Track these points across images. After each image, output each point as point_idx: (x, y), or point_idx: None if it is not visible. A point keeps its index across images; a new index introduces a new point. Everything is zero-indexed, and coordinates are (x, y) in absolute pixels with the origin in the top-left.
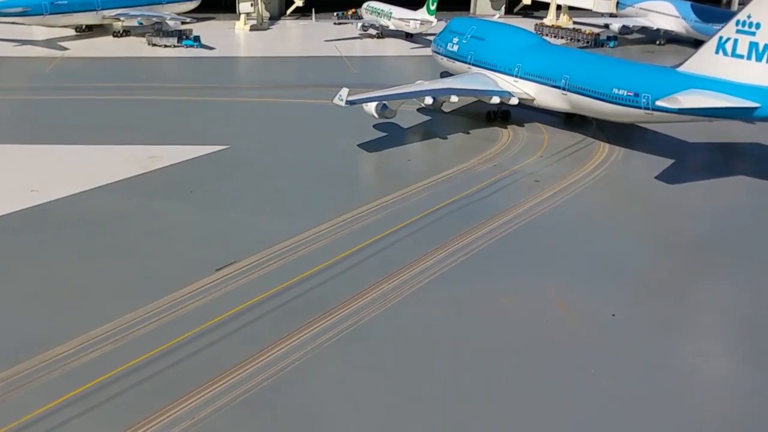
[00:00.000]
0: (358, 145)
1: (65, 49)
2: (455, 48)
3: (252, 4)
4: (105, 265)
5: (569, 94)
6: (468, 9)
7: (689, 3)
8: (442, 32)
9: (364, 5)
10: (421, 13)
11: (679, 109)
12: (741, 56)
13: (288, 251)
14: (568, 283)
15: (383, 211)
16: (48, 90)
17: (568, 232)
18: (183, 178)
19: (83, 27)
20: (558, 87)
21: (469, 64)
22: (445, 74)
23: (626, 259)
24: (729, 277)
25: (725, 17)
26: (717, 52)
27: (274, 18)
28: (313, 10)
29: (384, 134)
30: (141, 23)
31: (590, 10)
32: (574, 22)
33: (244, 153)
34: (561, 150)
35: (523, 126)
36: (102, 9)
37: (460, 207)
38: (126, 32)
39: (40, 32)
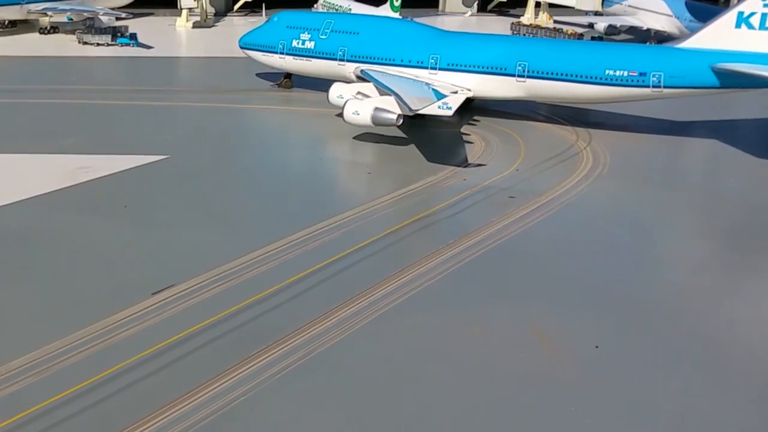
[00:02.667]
0: (311, 156)
1: None
2: (310, 44)
3: None
4: (27, 288)
5: (528, 80)
6: (436, 6)
7: (683, 0)
8: (270, 28)
9: (320, 0)
10: (384, 10)
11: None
12: None
13: (233, 274)
14: (546, 311)
15: (340, 230)
16: None
17: (547, 255)
18: (116, 192)
19: (6, 22)
20: (510, 75)
21: (341, 60)
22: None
23: (611, 284)
24: (725, 306)
25: None
26: (738, 26)
27: (220, 14)
28: (264, 5)
29: (340, 143)
30: (71, 19)
31: (573, 8)
32: (555, 21)
33: (185, 164)
34: (539, 162)
35: (495, 134)
36: (27, 2)
37: (425, 226)
38: (54, 29)
39: None
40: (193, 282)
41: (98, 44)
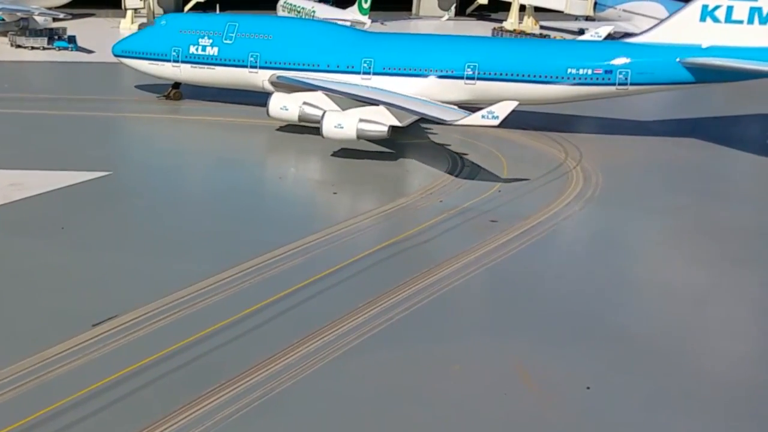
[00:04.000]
0: (270, 173)
1: None
2: (212, 51)
3: None
4: None
5: (479, 83)
6: (409, 9)
7: (683, 4)
8: (157, 33)
9: (281, 1)
10: (352, 13)
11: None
12: (740, 21)
13: (183, 303)
14: (531, 347)
15: (302, 256)
16: None
17: (532, 285)
18: (53, 212)
19: None
20: (458, 77)
21: (253, 67)
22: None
23: (604, 318)
24: (729, 342)
25: None
26: (703, 19)
27: None
28: (218, 6)
29: (303, 159)
30: (2, 19)
31: (562, 12)
32: (541, 27)
33: (129, 181)
34: (524, 183)
35: (476, 151)
36: None
37: (397, 252)
38: None
39: None
40: (138, 313)
41: (33, 48)
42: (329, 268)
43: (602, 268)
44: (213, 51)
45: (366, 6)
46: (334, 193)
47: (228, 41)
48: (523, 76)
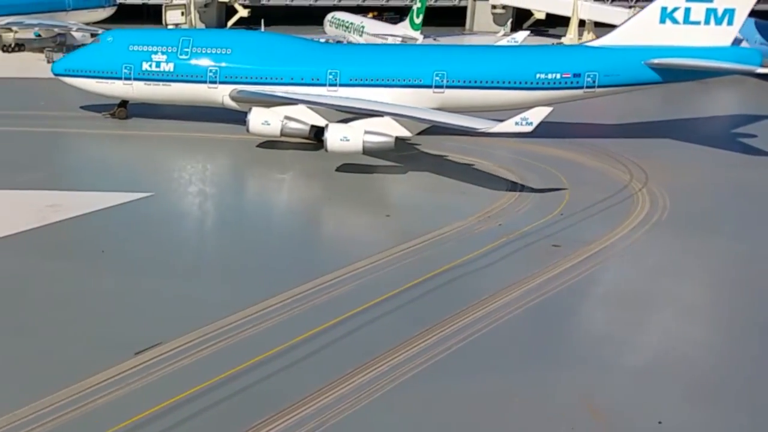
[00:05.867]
0: (320, 195)
1: None
2: (167, 66)
3: (183, 13)
4: None
5: (448, 91)
6: (463, 24)
7: (753, 20)
8: (103, 50)
9: (328, 17)
10: (403, 28)
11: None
12: (697, 22)
13: (229, 331)
14: (599, 379)
15: (354, 282)
16: None
17: (597, 314)
18: (92, 234)
19: None
20: (426, 86)
21: (212, 83)
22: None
23: (677, 349)
24: None
25: None
26: (663, 21)
27: None
28: (262, 21)
29: (354, 180)
30: (39, 35)
31: None
32: None
33: (172, 202)
34: (587, 206)
35: (532, 171)
36: None
37: (454, 278)
38: (20, 46)
39: None
40: (183, 340)
41: None
42: (383, 294)
43: (670, 295)
44: (168, 67)
45: (418, 22)
46: (387, 216)
47: (184, 56)
48: (492, 83)
